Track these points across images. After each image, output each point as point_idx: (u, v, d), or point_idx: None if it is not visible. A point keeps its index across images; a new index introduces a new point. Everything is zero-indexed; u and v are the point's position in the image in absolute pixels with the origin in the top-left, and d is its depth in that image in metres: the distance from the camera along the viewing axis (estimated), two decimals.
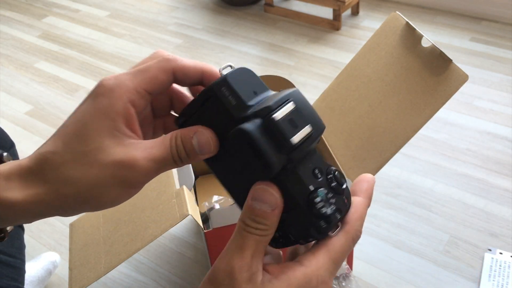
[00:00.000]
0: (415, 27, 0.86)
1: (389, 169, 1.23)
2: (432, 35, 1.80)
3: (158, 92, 0.34)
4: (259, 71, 1.63)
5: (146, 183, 0.34)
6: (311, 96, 1.20)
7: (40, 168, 0.32)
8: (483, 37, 1.75)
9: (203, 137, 0.33)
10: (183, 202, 0.80)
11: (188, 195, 0.81)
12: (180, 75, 0.35)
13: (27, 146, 1.42)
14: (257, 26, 1.97)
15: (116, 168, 0.32)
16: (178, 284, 1.01)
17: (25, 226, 0.82)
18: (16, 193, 0.32)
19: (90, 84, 1.69)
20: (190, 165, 0.88)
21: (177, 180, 0.87)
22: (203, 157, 0.34)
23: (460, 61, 1.64)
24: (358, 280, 0.98)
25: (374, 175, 0.87)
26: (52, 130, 1.49)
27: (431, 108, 0.85)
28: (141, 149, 0.32)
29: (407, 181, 1.00)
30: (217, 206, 0.93)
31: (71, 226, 1.03)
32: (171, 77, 0.34)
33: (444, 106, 1.46)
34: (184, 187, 0.82)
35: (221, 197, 1.00)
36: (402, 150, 1.30)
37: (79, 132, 0.32)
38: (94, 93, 0.33)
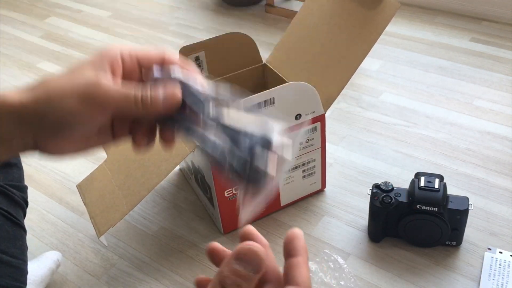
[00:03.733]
0: None
1: (390, 169, 1.23)
2: (432, 35, 1.80)
3: (146, 61, 0.41)
4: None
5: (107, 111, 0.39)
6: None
7: (40, 81, 0.39)
8: (483, 37, 1.76)
9: (170, 89, 0.39)
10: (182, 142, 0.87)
11: None
12: (166, 61, 0.41)
13: None
14: (258, 26, 1.98)
15: (83, 83, 0.38)
16: (179, 283, 1.02)
17: (28, 225, 0.83)
18: (14, 94, 0.38)
19: None
20: None
21: None
22: (164, 107, 0.39)
23: (460, 61, 1.64)
24: (357, 278, 0.98)
25: (337, 96, 1.03)
26: None
27: (375, 34, 1.01)
28: (111, 80, 0.39)
29: (407, 181, 1.01)
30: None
31: (79, 186, 1.09)
32: (160, 58, 0.41)
33: (444, 105, 1.47)
34: None
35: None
36: (402, 150, 1.31)
37: (73, 66, 0.40)
38: (101, 49, 0.41)
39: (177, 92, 0.39)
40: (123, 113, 0.40)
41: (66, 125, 0.38)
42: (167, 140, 0.42)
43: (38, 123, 0.38)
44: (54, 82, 0.39)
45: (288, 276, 0.33)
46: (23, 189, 0.84)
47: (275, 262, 0.36)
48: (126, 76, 0.41)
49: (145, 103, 0.39)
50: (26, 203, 0.84)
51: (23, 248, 0.79)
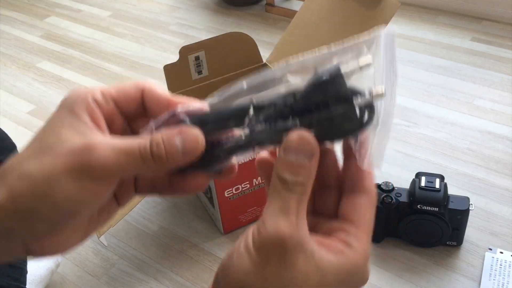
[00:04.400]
0: None
1: (390, 168, 1.23)
2: (433, 35, 1.80)
3: (124, 102, 0.32)
4: None
5: (111, 180, 0.29)
6: None
7: (1, 173, 0.29)
8: (484, 37, 1.76)
9: (189, 134, 0.29)
10: None
11: None
12: (147, 95, 0.32)
13: None
14: (258, 26, 1.97)
15: (70, 155, 0.28)
16: (179, 283, 1.01)
17: None
18: None
19: (92, 84, 1.70)
20: None
21: None
22: (185, 158, 0.29)
23: (461, 61, 1.64)
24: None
25: None
26: None
27: None
28: (103, 137, 0.29)
29: (408, 181, 1.01)
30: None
31: None
32: (139, 93, 0.32)
33: (445, 105, 1.47)
34: None
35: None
36: (402, 149, 1.31)
37: (41, 131, 0.30)
38: (63, 98, 0.31)
39: (198, 133, 0.29)
40: (132, 175, 0.32)
41: (64, 217, 0.29)
42: (198, 186, 0.32)
43: (22, 228, 0.29)
44: (28, 166, 0.28)
45: (359, 181, 0.30)
46: None
47: (337, 166, 0.32)
48: (107, 124, 0.31)
49: (159, 157, 0.29)
50: None
51: None
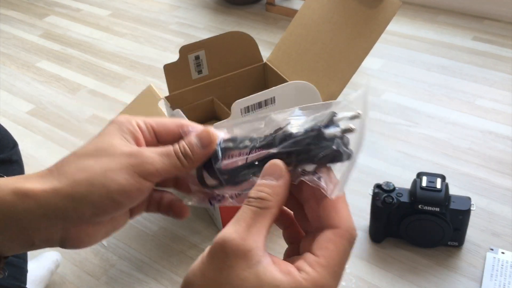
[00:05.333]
0: None
1: (391, 168, 1.23)
2: (434, 34, 1.80)
3: (163, 133, 0.38)
4: None
5: (155, 179, 0.36)
6: None
7: (57, 167, 0.36)
8: (485, 36, 1.75)
9: (202, 132, 0.36)
10: None
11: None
12: (184, 131, 0.38)
13: (29, 145, 1.42)
14: (259, 25, 1.97)
15: (124, 156, 0.35)
16: (179, 283, 1.01)
17: None
18: (34, 184, 0.34)
19: (91, 83, 1.70)
20: (181, 112, 0.95)
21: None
22: (205, 150, 0.36)
23: (462, 60, 1.63)
24: (358, 279, 0.98)
25: (338, 95, 1.03)
26: (53, 129, 1.49)
27: (376, 33, 0.99)
28: (147, 148, 0.36)
29: (409, 180, 1.00)
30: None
31: None
32: (178, 129, 0.38)
33: (446, 105, 1.47)
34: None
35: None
36: (403, 149, 1.30)
37: (94, 139, 0.37)
38: (113, 119, 0.38)
39: (209, 130, 0.36)
40: (169, 176, 0.37)
41: (110, 206, 0.35)
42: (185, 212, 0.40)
43: (73, 210, 0.34)
44: (88, 162, 0.35)
45: (323, 219, 0.32)
46: None
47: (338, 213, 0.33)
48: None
49: (187, 154, 0.36)
50: None
51: None
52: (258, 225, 0.31)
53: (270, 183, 0.32)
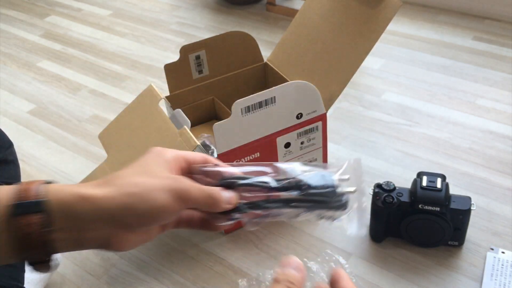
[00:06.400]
0: None
1: (391, 168, 1.23)
2: (434, 34, 1.80)
3: (192, 162, 0.47)
4: None
5: (188, 204, 0.44)
6: None
7: (109, 179, 0.43)
8: (486, 36, 1.75)
9: (231, 194, 0.46)
10: (189, 137, 0.88)
11: (191, 132, 0.90)
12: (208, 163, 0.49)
13: (30, 145, 1.42)
14: (259, 25, 1.97)
15: (168, 179, 0.43)
16: (180, 283, 1.01)
17: None
18: (93, 190, 0.41)
19: (92, 83, 1.70)
20: (182, 112, 0.97)
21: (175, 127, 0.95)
22: (226, 206, 0.46)
23: (462, 60, 1.63)
24: (358, 278, 0.98)
25: (338, 95, 1.05)
26: (54, 129, 1.49)
27: (376, 33, 1.00)
28: (183, 176, 0.45)
29: (409, 180, 1.00)
30: (207, 142, 1.07)
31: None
32: (204, 160, 0.48)
33: (447, 105, 1.47)
34: (185, 126, 0.90)
35: (208, 134, 1.10)
36: (404, 149, 1.30)
37: (138, 162, 0.45)
38: (152, 148, 0.47)
39: (235, 196, 0.46)
40: (195, 207, 0.46)
41: (152, 218, 0.42)
42: (218, 228, 0.49)
43: (123, 217, 0.41)
44: (137, 179, 0.43)
45: None
46: None
47: None
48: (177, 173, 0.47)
49: (216, 200, 0.45)
50: None
51: None
52: None
53: (292, 273, 0.39)
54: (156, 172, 0.43)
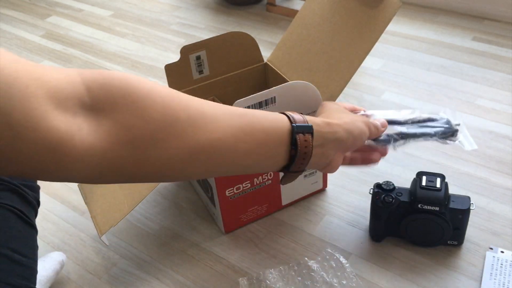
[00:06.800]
0: None
1: (391, 168, 1.23)
2: (433, 34, 1.80)
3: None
4: None
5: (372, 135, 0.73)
6: None
7: (325, 116, 0.67)
8: (485, 37, 1.75)
9: (383, 120, 0.74)
10: None
11: None
12: None
13: None
14: (259, 25, 1.98)
15: (358, 115, 0.74)
16: (180, 282, 1.02)
17: None
18: (333, 120, 0.66)
19: None
20: None
21: None
22: (381, 130, 0.72)
23: (462, 60, 1.64)
24: (358, 278, 0.98)
25: (338, 95, 1.08)
26: None
27: (376, 33, 1.03)
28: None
29: (409, 180, 1.01)
30: None
31: (80, 186, 1.10)
32: (352, 108, 0.79)
33: (446, 105, 1.47)
34: None
35: None
36: (403, 149, 1.30)
37: (328, 111, 0.71)
38: (322, 105, 0.77)
39: (385, 121, 0.73)
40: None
41: (359, 140, 0.65)
42: (375, 159, 0.75)
43: (346, 140, 0.62)
44: (341, 114, 0.65)
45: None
46: (36, 189, 0.84)
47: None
48: None
49: (376, 127, 0.69)
50: (38, 203, 0.84)
51: (34, 247, 0.79)
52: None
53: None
54: (344, 111, 0.67)
